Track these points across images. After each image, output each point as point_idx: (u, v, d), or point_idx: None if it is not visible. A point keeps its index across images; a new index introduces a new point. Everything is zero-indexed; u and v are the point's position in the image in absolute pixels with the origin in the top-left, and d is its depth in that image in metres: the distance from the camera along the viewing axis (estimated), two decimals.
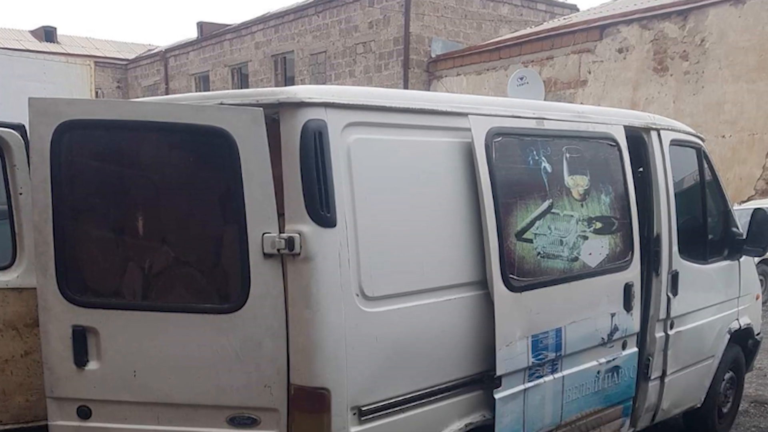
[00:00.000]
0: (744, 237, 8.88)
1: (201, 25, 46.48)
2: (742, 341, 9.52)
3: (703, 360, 8.71)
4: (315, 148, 5.01)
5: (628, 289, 7.25)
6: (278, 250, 5.03)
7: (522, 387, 6.34)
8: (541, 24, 34.19)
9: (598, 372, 7.14)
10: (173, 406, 5.32)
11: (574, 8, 39.15)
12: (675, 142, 8.02)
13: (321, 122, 5.08)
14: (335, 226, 5.08)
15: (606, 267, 7.01)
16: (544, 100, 17.77)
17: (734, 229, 8.97)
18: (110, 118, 5.22)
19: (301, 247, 5.00)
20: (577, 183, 6.72)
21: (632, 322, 7.38)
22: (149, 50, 54.11)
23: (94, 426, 5.42)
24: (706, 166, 8.63)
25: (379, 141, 5.45)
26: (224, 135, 5.01)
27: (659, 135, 7.78)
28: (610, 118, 7.35)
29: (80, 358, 5.31)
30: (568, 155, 6.68)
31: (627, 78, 25.08)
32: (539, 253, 6.37)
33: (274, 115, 5.11)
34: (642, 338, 7.70)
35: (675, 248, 7.83)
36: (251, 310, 5.12)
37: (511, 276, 6.08)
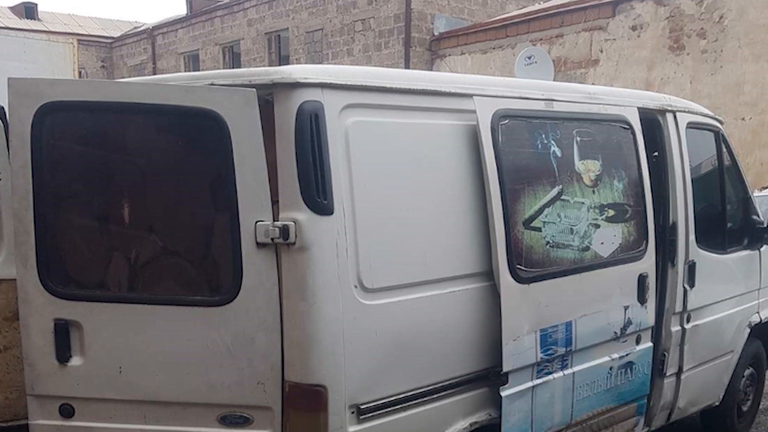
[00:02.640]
0: (765, 225, 8.88)
1: (190, 1, 46.40)
2: (763, 335, 9.50)
3: (722, 355, 8.71)
4: (311, 131, 5.01)
5: (642, 280, 7.25)
6: (272, 239, 5.03)
7: (530, 384, 6.35)
8: (550, 0, 34.14)
9: (611, 368, 7.14)
10: (161, 404, 5.32)
11: None
12: (692, 125, 8.01)
13: (317, 104, 5.07)
14: (332, 213, 5.08)
15: (619, 257, 7.01)
16: (554, 80, 17.74)
17: (754, 217, 8.98)
18: (94, 99, 5.21)
19: (296, 236, 5.00)
20: (589, 168, 6.72)
21: (646, 315, 7.39)
22: (135, 28, 54.02)
23: (78, 425, 5.42)
24: (724, 150, 8.63)
25: (378, 124, 5.45)
26: (215, 117, 5.00)
27: (675, 117, 7.78)
28: (624, 100, 7.35)
29: (63, 353, 5.31)
30: (578, 139, 6.67)
31: (641, 57, 25.03)
32: (548, 242, 6.37)
33: (268, 96, 5.10)
34: (657, 332, 7.71)
35: (692, 237, 7.83)
36: (243, 303, 5.12)
37: (518, 267, 6.07)
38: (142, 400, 5.33)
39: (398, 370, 5.54)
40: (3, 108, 6.01)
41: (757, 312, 9.19)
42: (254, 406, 5.23)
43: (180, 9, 47.60)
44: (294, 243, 5.02)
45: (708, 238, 8.10)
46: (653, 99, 7.81)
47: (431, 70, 31.17)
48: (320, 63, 34.54)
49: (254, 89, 5.01)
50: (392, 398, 5.51)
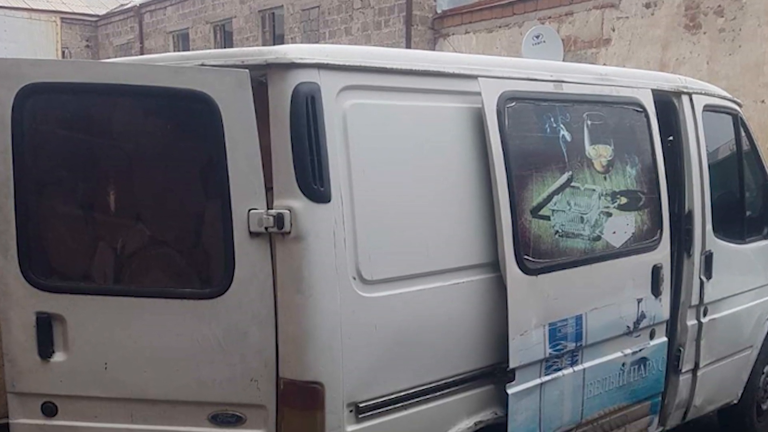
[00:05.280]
0: None
1: None
2: None
3: (741, 351, 8.71)
4: (307, 114, 5.00)
5: (656, 271, 7.24)
6: (266, 228, 5.02)
7: (538, 381, 6.35)
8: None
9: (623, 364, 7.15)
10: (149, 402, 5.32)
11: None
12: (709, 108, 7.99)
13: (314, 86, 5.06)
14: (329, 201, 5.07)
15: (632, 247, 7.01)
16: (563, 60, 17.72)
17: None
18: (79, 80, 5.20)
19: (291, 224, 5.00)
20: (600, 153, 6.71)
21: (661, 308, 7.39)
22: (122, 5, 53.86)
23: (61, 424, 5.42)
24: (743, 134, 8.62)
25: (378, 107, 5.44)
26: (206, 100, 4.99)
27: (691, 100, 7.76)
28: (637, 81, 7.33)
29: (45, 348, 5.31)
30: (589, 122, 6.67)
31: (655, 36, 24.94)
32: (557, 231, 6.37)
33: (262, 77, 5.09)
34: (672, 327, 7.71)
35: (709, 226, 7.82)
36: (236, 296, 5.12)
37: (525, 257, 6.07)
38: (128, 398, 5.33)
39: (399, 367, 5.54)
40: None
41: None
42: (247, 404, 5.23)
43: None
44: (289, 232, 5.01)
45: (726, 227, 8.10)
46: (668, 80, 7.79)
47: (434, 49, 31.12)
48: (317, 42, 34.48)
49: (247, 70, 5.00)
50: (393, 396, 5.52)
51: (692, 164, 7.64)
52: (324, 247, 5.08)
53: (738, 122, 8.56)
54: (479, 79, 5.94)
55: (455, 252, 5.82)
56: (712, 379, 8.25)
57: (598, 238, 6.69)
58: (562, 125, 6.43)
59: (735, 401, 8.91)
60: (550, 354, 6.37)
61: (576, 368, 6.69)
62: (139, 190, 5.48)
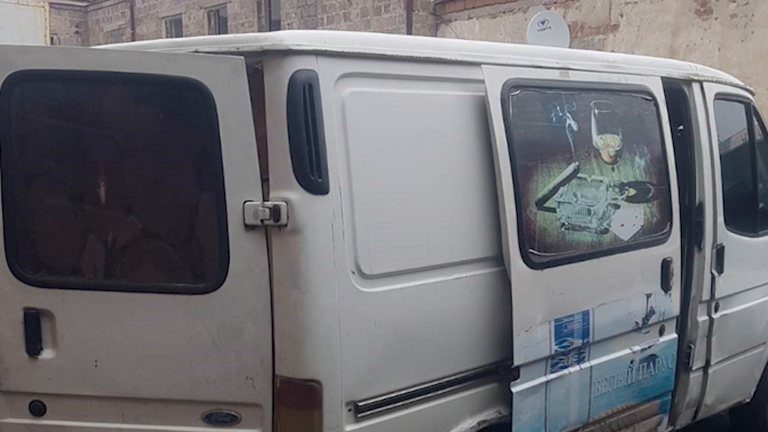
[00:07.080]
0: None
1: None
2: None
3: (753, 348, 8.71)
4: (304, 102, 4.99)
5: (666, 265, 7.23)
6: (262, 220, 5.01)
7: (543, 379, 6.35)
8: None
9: (632, 362, 7.14)
10: (140, 401, 5.32)
11: None
12: (720, 96, 7.98)
13: (311, 73, 5.06)
14: (327, 193, 5.07)
15: (641, 240, 7.00)
16: (569, 47, 17.71)
17: None
18: (68, 68, 5.19)
19: (288, 217, 4.99)
20: (608, 143, 6.71)
21: (671, 304, 7.38)
22: None
23: (49, 424, 5.41)
24: (756, 123, 8.60)
25: (378, 95, 5.44)
26: (199, 88, 4.99)
27: (702, 88, 7.75)
28: (646, 69, 7.32)
29: (33, 345, 5.29)
30: (596, 111, 6.66)
31: (665, 22, 24.92)
32: (563, 224, 6.36)
33: (257, 64, 5.09)
34: (682, 323, 7.70)
35: (720, 219, 7.82)
36: (230, 291, 5.11)
37: (530, 251, 6.06)
38: (119, 396, 5.32)
39: (400, 364, 5.53)
40: None
41: None
42: (242, 403, 5.23)
43: None
44: (286, 225, 5.00)
45: (738, 219, 8.09)
46: (678, 68, 7.78)
47: (435, 36, 31.11)
48: (314, 29, 34.44)
49: (242, 57, 5.00)
50: (393, 395, 5.51)
51: (703, 154, 7.63)
52: (322, 241, 5.07)
53: (750, 111, 8.54)
54: (482, 66, 5.93)
55: (458, 245, 5.81)
56: (723, 377, 8.25)
57: (606, 231, 6.68)
58: (568, 114, 6.43)
59: (747, 400, 8.90)
60: (555, 351, 6.37)
61: (583, 366, 6.69)
62: (131, 181, 5.46)
